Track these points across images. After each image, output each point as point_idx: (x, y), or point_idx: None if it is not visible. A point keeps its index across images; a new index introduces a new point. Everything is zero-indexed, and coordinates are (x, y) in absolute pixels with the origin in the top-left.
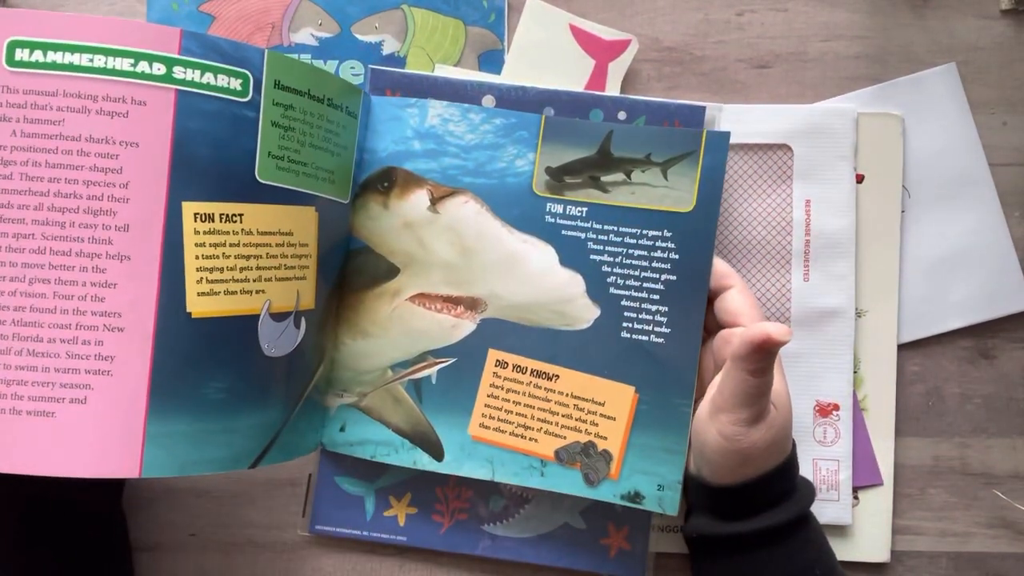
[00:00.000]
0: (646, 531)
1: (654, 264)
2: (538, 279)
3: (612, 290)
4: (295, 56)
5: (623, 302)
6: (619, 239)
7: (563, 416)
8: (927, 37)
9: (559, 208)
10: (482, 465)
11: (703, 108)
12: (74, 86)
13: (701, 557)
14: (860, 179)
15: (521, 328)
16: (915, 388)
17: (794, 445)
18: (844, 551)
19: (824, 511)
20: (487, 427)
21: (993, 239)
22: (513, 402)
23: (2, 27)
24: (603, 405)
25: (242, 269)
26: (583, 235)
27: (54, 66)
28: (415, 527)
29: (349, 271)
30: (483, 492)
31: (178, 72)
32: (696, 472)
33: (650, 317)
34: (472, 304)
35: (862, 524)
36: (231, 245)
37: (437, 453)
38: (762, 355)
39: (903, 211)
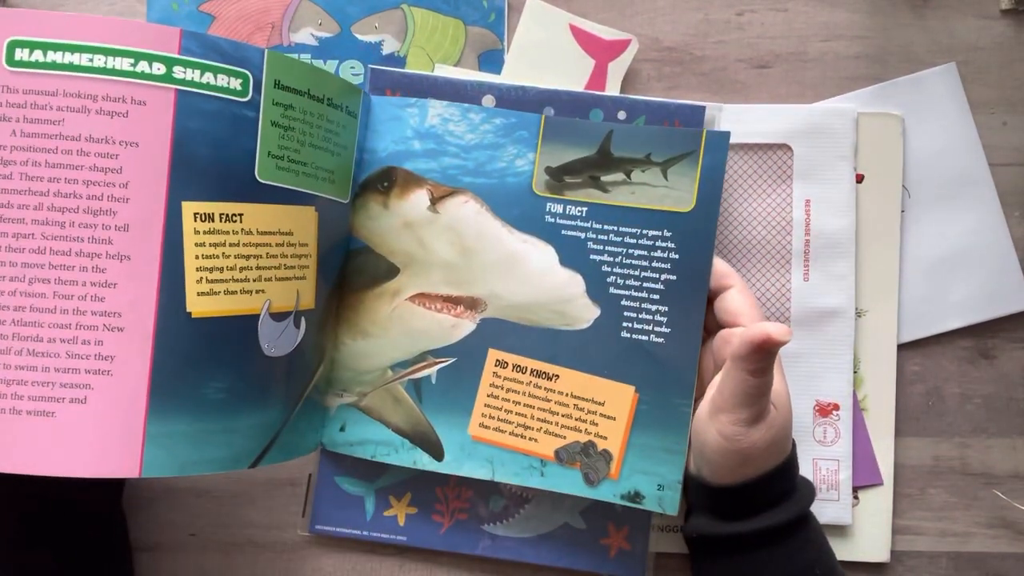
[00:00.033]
0: (646, 531)
1: (654, 264)
2: (538, 279)
3: (612, 290)
4: (295, 56)
5: (623, 302)
6: (619, 239)
7: (563, 416)
8: (927, 37)
9: (559, 208)
10: (482, 465)
11: (703, 108)
12: (74, 86)
13: (701, 557)
14: (860, 179)
15: (521, 328)
16: (915, 388)
17: (794, 445)
18: (844, 551)
19: (824, 511)
20: (487, 427)
21: (993, 239)
22: (513, 402)
23: (2, 27)
24: (603, 405)
25: (242, 269)
26: (583, 235)
27: (54, 66)
28: (415, 527)
29: (349, 271)
30: (483, 492)
31: (178, 72)
32: (696, 472)
33: (650, 317)
34: (472, 304)
35: (862, 524)
36: (231, 245)
37: (437, 453)
38: (762, 355)
39: (903, 211)
